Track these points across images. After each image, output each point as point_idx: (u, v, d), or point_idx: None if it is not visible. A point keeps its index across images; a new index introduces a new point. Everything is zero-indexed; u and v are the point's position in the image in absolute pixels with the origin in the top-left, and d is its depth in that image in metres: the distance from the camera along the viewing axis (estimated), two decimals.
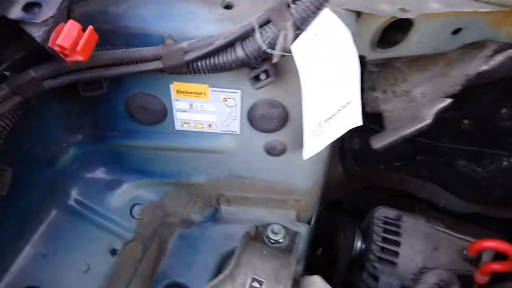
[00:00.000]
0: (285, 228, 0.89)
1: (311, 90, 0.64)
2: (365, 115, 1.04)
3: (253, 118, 0.74)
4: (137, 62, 0.61)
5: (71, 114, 0.75)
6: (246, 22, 0.58)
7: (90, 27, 0.51)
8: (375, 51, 0.81)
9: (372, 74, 1.01)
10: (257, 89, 0.64)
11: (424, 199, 1.42)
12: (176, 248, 0.88)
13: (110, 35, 0.63)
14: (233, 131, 0.78)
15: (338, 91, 0.69)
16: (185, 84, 0.69)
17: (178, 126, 0.77)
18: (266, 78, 0.63)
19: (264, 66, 0.62)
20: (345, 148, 1.37)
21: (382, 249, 1.06)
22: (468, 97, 0.94)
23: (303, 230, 0.91)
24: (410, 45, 0.82)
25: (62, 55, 0.52)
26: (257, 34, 0.57)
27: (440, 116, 1.21)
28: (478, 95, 0.97)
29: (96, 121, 0.77)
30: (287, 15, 0.56)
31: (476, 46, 0.90)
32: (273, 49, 0.58)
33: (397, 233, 1.08)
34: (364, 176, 1.50)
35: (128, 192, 0.87)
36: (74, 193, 0.81)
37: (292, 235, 0.88)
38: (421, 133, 1.24)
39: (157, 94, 0.71)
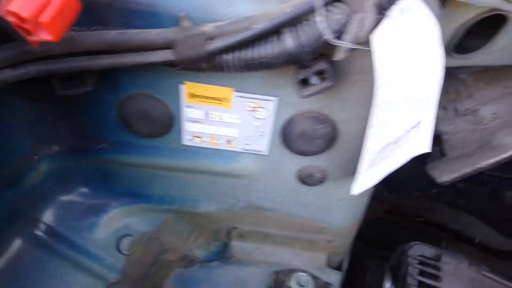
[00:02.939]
0: (314, 277, 0.69)
1: (385, 103, 0.45)
2: None
3: (289, 136, 0.55)
4: (139, 50, 0.42)
5: (45, 118, 0.55)
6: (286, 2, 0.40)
7: None
8: (451, 57, 0.63)
9: None
10: (305, 97, 0.45)
11: (455, 230, 1.26)
12: None
13: (103, 10, 0.44)
14: (258, 151, 0.59)
15: (411, 106, 0.51)
16: (202, 86, 0.50)
17: (186, 140, 0.58)
18: (320, 82, 0.44)
19: (319, 64, 0.43)
20: None
21: None
22: None
23: (334, 279, 0.72)
24: (491, 53, 0.64)
25: (21, 32, 0.33)
26: (319, 17, 0.39)
27: None
28: None
29: (80, 129, 0.58)
30: None
31: None
32: (340, 39, 0.39)
33: (436, 277, 0.88)
34: (391, 202, 1.33)
35: (115, 220, 0.67)
36: (44, 219, 0.61)
37: (323, 287, 0.69)
38: None
39: (162, 98, 0.52)
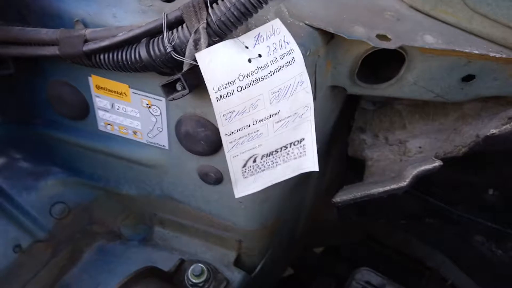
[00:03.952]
0: (213, 271, 0.75)
1: (233, 116, 0.51)
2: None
3: (179, 135, 0.62)
4: (34, 44, 0.52)
5: None
6: (158, 17, 0.47)
7: None
8: (356, 85, 0.66)
9: (365, 112, 0.85)
10: (169, 101, 0.52)
11: (432, 269, 1.23)
12: (90, 261, 0.78)
13: (24, 10, 0.55)
14: (161, 145, 0.66)
15: (283, 124, 0.56)
16: (104, 80, 0.59)
17: (101, 126, 0.67)
18: (181, 90, 0.51)
19: (177, 74, 0.50)
20: None
21: None
22: (499, 161, 0.77)
23: (236, 278, 0.77)
24: (403, 86, 0.66)
25: None
26: (164, 34, 0.46)
27: (456, 177, 1.02)
28: None
29: (21, 104, 0.69)
30: (203, 16, 0.44)
31: (503, 102, 0.72)
32: (183, 55, 0.46)
33: None
34: (364, 227, 1.33)
35: (53, 187, 0.78)
36: None
37: (220, 282, 0.75)
38: (433, 191, 1.05)
39: (77, 86, 0.62)
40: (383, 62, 0.67)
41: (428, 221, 1.11)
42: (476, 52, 0.54)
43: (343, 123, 0.87)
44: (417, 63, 0.62)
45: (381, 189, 0.66)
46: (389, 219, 1.21)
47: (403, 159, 0.78)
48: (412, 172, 0.65)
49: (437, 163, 0.65)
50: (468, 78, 0.64)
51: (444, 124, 0.78)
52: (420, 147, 0.78)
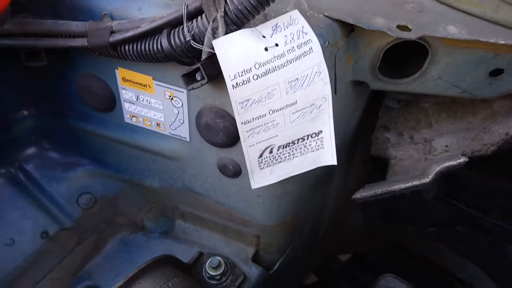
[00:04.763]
0: (231, 265, 0.76)
1: (249, 105, 0.51)
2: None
3: (199, 126, 0.63)
4: (65, 36, 0.55)
5: (30, 84, 0.72)
6: (178, 8, 0.49)
7: None
8: (378, 79, 0.66)
9: (390, 110, 0.84)
10: (188, 90, 0.54)
11: (463, 281, 1.18)
12: (112, 251, 0.80)
13: (58, 5, 0.59)
14: (182, 137, 0.68)
15: (300, 115, 0.56)
16: (130, 72, 0.62)
17: (127, 118, 0.70)
18: (200, 79, 0.52)
19: (196, 64, 0.51)
20: None
21: None
22: None
23: (254, 273, 0.77)
24: (428, 80, 0.65)
25: None
26: (184, 24, 0.48)
27: (489, 182, 0.98)
28: None
29: (53, 97, 0.74)
30: (221, 5, 0.46)
31: None
32: (202, 44, 0.48)
33: None
34: (392, 234, 1.30)
35: (81, 178, 0.82)
36: (23, 163, 0.78)
37: (237, 276, 0.75)
38: (464, 197, 1.01)
39: (105, 79, 0.65)
40: (407, 59, 0.66)
41: (459, 229, 1.07)
42: (502, 42, 0.52)
43: (369, 123, 0.86)
44: (441, 57, 0.61)
45: (402, 186, 0.64)
46: (417, 226, 1.17)
47: (428, 158, 0.76)
48: (436, 169, 0.63)
49: (462, 159, 0.62)
50: (496, 72, 0.61)
51: (473, 122, 0.76)
52: (446, 146, 0.75)
